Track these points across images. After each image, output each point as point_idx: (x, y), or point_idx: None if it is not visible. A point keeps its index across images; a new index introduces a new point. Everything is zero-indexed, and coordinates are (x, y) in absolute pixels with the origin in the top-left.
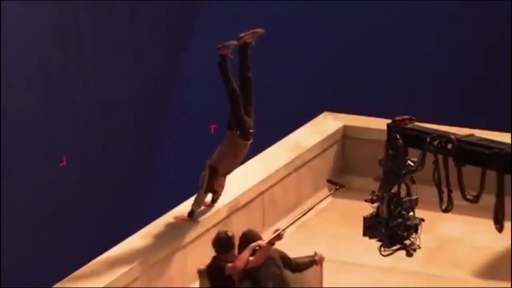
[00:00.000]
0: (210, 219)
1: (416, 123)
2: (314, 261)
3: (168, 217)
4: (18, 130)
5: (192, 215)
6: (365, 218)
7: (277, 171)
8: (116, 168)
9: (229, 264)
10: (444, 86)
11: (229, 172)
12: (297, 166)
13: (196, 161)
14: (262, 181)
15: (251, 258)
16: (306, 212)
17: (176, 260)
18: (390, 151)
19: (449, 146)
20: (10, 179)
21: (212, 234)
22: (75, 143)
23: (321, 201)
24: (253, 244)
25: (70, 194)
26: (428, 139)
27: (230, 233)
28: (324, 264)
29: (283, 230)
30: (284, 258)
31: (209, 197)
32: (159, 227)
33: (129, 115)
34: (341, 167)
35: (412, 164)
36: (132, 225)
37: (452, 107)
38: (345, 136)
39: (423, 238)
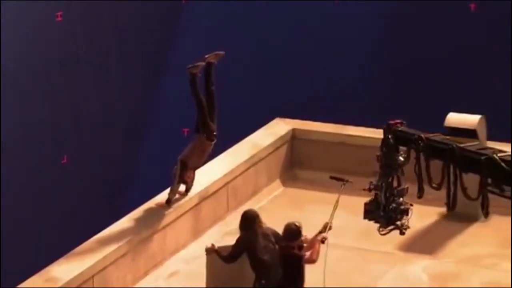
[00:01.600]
0: (184, 205)
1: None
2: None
3: (150, 204)
4: (15, 130)
5: (169, 202)
6: (365, 204)
7: (238, 166)
8: (107, 165)
9: (307, 257)
10: (387, 90)
11: (197, 167)
12: (254, 162)
13: (172, 158)
14: (226, 174)
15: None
16: (337, 205)
17: (156, 239)
18: (384, 149)
19: (421, 143)
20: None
21: (186, 218)
22: (69, 142)
23: (338, 197)
24: (320, 237)
25: (67, 188)
26: (413, 139)
27: (297, 224)
28: None
29: (330, 222)
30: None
31: (183, 187)
32: (143, 212)
33: (118, 119)
34: (290, 163)
35: (402, 159)
36: (120, 211)
37: (395, 110)
38: (294, 137)
39: (358, 219)
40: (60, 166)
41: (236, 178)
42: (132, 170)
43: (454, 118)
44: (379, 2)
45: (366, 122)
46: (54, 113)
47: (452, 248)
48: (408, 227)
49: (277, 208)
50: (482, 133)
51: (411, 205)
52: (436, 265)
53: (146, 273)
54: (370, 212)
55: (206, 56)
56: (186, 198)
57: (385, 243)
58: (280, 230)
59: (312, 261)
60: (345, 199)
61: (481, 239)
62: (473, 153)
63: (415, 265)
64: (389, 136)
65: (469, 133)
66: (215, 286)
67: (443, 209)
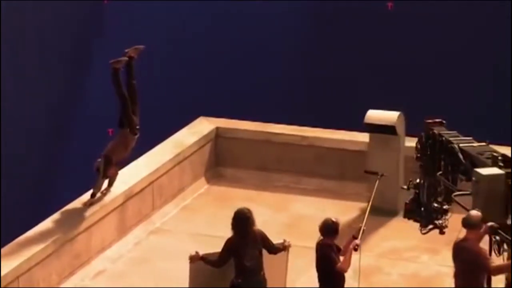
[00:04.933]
0: (109, 205)
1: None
2: (284, 247)
3: (75, 203)
4: None
5: (94, 196)
6: (406, 203)
7: (163, 164)
8: (32, 166)
9: (339, 265)
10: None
11: (120, 161)
12: (179, 160)
13: (97, 156)
14: (151, 173)
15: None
16: (370, 206)
17: (82, 238)
18: (419, 146)
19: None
20: None
21: (111, 217)
22: None
23: (371, 197)
24: (351, 247)
25: None
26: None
27: (335, 220)
28: (202, 238)
29: (363, 226)
30: (265, 241)
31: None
32: (68, 212)
33: (43, 120)
34: (215, 161)
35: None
36: (46, 211)
37: (322, 108)
38: (217, 136)
39: (280, 215)
40: None
41: (161, 176)
42: (57, 171)
43: (374, 115)
44: (299, 2)
45: (288, 120)
46: None
47: (374, 242)
48: (447, 226)
49: (202, 206)
50: (401, 129)
51: (450, 205)
52: (358, 259)
53: (72, 273)
54: (410, 212)
55: (126, 50)
56: (112, 197)
57: (307, 238)
58: (207, 228)
59: (342, 270)
60: (267, 196)
61: (401, 233)
62: (449, 143)
63: None
64: (422, 134)
65: (389, 129)
66: None
67: (364, 204)
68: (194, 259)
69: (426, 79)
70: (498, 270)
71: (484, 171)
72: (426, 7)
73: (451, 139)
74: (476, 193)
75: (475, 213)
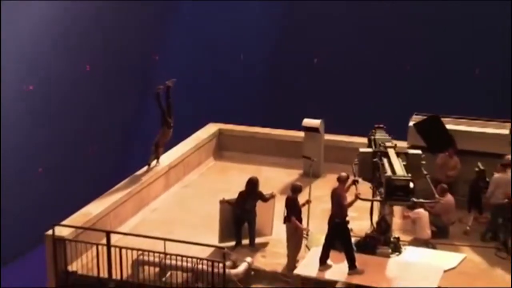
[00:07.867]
0: (159, 172)
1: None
2: (271, 196)
3: (140, 171)
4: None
5: (149, 166)
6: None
7: (189, 150)
8: (113, 150)
9: (293, 220)
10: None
11: (163, 145)
12: (198, 147)
13: (151, 144)
14: (182, 154)
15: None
16: (311, 187)
17: (144, 191)
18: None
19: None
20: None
21: (161, 179)
22: (91, 139)
23: (310, 172)
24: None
25: (95, 165)
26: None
27: (299, 184)
28: (212, 191)
29: (309, 198)
30: (261, 194)
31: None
32: (135, 177)
33: (120, 125)
34: (219, 148)
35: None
36: (124, 175)
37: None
38: (220, 134)
39: (258, 178)
40: (89, 153)
41: (188, 156)
42: (128, 152)
43: (307, 121)
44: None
45: (263, 122)
46: (79, 120)
47: (306, 193)
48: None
49: (212, 173)
50: (322, 129)
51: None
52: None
53: (139, 210)
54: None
55: (166, 82)
56: (160, 167)
57: (273, 189)
58: (215, 186)
59: (293, 224)
60: (250, 167)
61: (321, 187)
62: (371, 136)
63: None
64: (369, 134)
65: (315, 129)
66: (225, 223)
67: (301, 171)
68: (223, 202)
69: (336, 103)
70: (349, 205)
71: (363, 149)
72: (340, 61)
73: (376, 134)
74: (357, 162)
75: (343, 173)
